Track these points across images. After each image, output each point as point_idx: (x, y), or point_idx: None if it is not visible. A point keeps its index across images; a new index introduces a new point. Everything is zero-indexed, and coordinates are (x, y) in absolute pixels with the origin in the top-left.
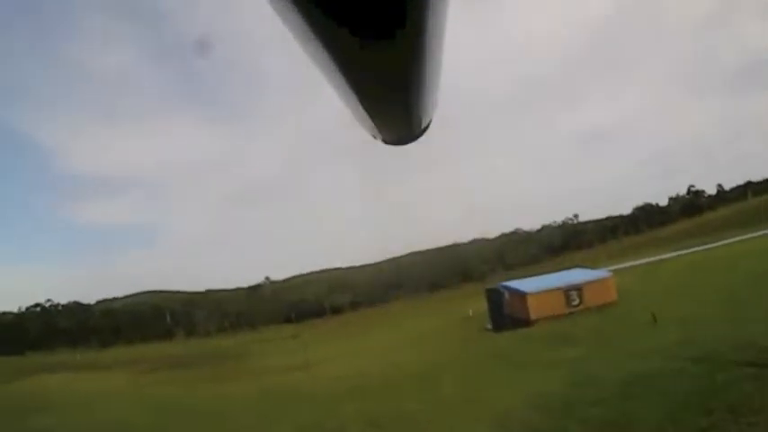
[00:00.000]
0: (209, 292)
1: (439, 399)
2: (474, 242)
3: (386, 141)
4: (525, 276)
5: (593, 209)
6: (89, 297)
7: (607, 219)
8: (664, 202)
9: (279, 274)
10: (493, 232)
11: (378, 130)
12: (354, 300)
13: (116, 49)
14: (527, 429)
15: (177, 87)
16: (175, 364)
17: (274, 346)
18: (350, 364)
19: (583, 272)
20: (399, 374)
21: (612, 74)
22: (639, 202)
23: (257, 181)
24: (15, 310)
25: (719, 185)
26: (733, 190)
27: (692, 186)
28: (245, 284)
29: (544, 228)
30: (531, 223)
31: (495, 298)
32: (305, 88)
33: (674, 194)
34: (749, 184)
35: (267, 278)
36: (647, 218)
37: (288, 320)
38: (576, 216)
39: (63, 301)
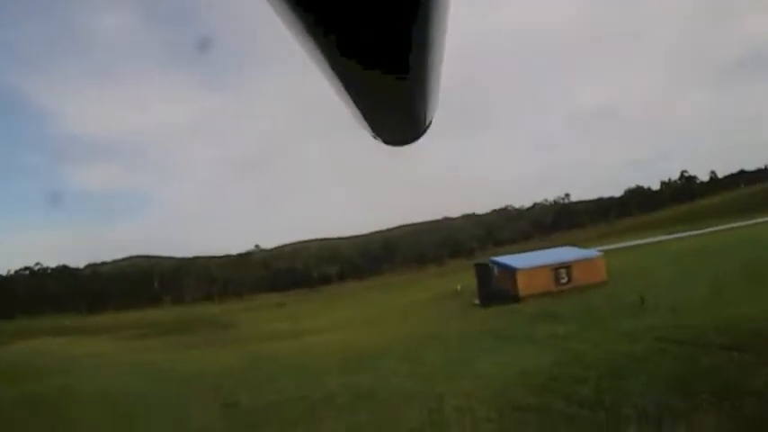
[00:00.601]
0: (197, 258)
1: (425, 372)
2: (464, 217)
3: (386, 142)
4: (515, 253)
5: (583, 190)
6: (78, 261)
7: (599, 200)
8: (656, 186)
9: (269, 243)
10: (483, 208)
11: (377, 131)
12: (342, 271)
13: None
14: (512, 404)
15: (172, 51)
16: (163, 330)
17: (261, 314)
18: (336, 334)
19: (573, 250)
20: (386, 346)
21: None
22: (631, 184)
23: (252, 148)
24: (4, 273)
25: (713, 172)
26: (726, 178)
27: (685, 172)
28: (234, 252)
29: (536, 205)
30: (523, 201)
31: (483, 273)
32: (302, 55)
33: (666, 179)
34: (742, 173)
35: (257, 246)
36: (638, 201)
37: (275, 288)
38: (567, 195)
39: (52, 264)
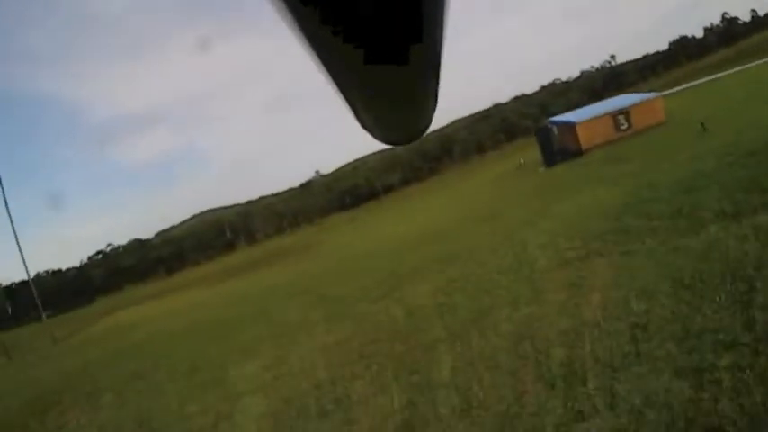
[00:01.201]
0: (261, 198)
1: (504, 227)
2: (515, 100)
3: (386, 141)
4: None
5: (629, 51)
6: (150, 232)
7: (645, 57)
8: (699, 33)
9: (328, 168)
10: (532, 86)
11: (377, 130)
12: (405, 176)
13: None
14: (592, 232)
15: None
16: (240, 269)
17: (335, 232)
18: (413, 222)
19: (629, 97)
20: (458, 221)
21: None
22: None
23: (293, 86)
24: (78, 263)
25: (753, 11)
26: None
27: (726, 14)
28: (296, 184)
29: (583, 74)
30: (570, 71)
31: (544, 136)
32: None
33: (708, 25)
34: None
35: (317, 172)
36: (684, 51)
37: (343, 208)
38: (613, 57)
39: (123, 242)
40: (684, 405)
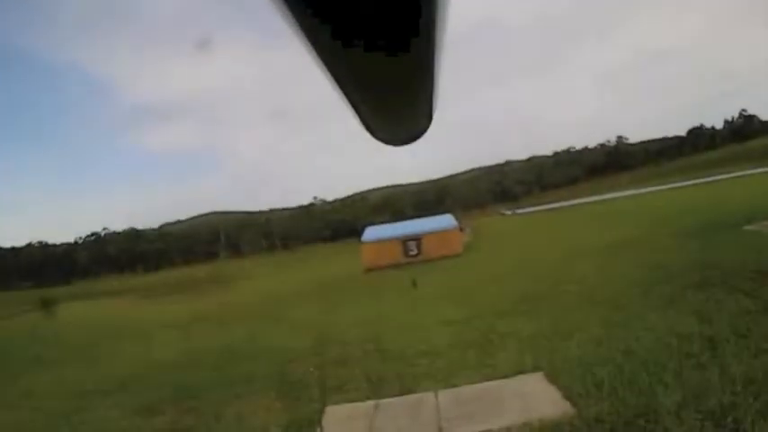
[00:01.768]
0: (270, 211)
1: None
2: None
3: (385, 141)
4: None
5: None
6: (157, 223)
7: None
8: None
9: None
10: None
11: (377, 130)
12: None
13: None
14: None
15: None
16: (170, 290)
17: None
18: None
19: (427, 222)
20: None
21: None
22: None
23: (317, 101)
24: (72, 240)
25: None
26: None
27: (744, 111)
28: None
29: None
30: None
31: None
32: None
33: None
34: None
35: (315, 197)
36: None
37: (327, 239)
38: (620, 138)
39: (120, 228)
40: None
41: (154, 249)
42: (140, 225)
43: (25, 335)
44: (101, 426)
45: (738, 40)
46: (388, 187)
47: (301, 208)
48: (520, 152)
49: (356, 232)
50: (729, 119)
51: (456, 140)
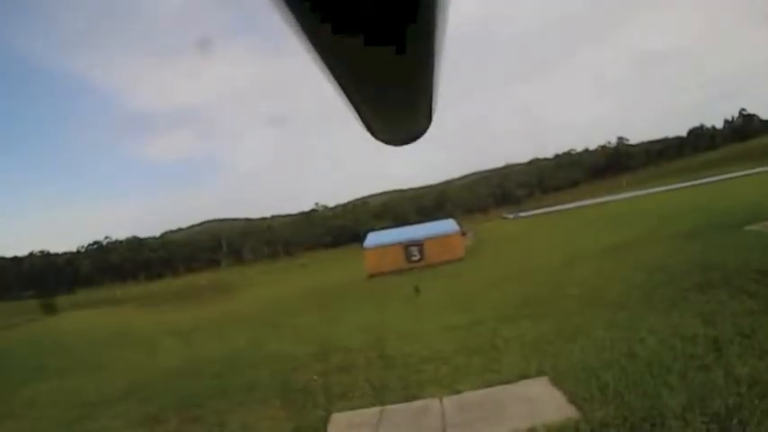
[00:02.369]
0: (272, 218)
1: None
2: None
3: (386, 142)
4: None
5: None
6: (159, 231)
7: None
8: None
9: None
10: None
11: (377, 130)
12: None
13: None
14: None
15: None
16: (173, 297)
17: (278, 275)
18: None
19: (427, 227)
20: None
21: None
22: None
23: (318, 107)
24: (74, 249)
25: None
26: None
27: (744, 110)
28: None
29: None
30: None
31: None
32: None
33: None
34: None
35: (317, 203)
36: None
37: (328, 245)
38: (621, 139)
39: (122, 237)
40: None
41: (156, 257)
42: (142, 233)
43: (27, 344)
44: None
45: (738, 40)
46: (389, 192)
47: (303, 214)
48: (521, 155)
49: (358, 238)
50: (729, 118)
51: (456, 144)
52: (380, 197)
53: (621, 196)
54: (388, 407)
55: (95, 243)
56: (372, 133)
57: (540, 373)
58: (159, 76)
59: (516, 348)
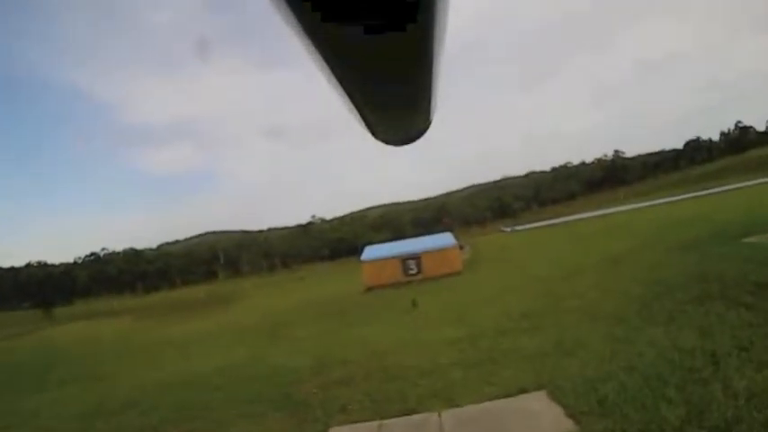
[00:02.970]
0: (269, 230)
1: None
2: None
3: (385, 141)
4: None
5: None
6: (156, 243)
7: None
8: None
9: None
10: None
11: (377, 131)
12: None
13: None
14: None
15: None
16: (171, 309)
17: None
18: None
19: (423, 241)
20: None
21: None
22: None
23: (319, 121)
24: (71, 260)
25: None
26: None
27: (740, 122)
28: (293, 223)
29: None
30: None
31: None
32: None
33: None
34: None
35: (314, 216)
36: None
37: (325, 258)
38: (616, 152)
39: (119, 248)
40: None
41: (153, 269)
42: (139, 245)
43: (26, 355)
44: None
45: (734, 51)
46: (386, 205)
47: (300, 227)
48: (518, 168)
49: (355, 250)
50: (726, 131)
51: (454, 157)
52: (377, 210)
53: (619, 209)
54: (387, 420)
55: (92, 254)
56: (373, 133)
57: (538, 387)
58: (157, 88)
59: (515, 362)
